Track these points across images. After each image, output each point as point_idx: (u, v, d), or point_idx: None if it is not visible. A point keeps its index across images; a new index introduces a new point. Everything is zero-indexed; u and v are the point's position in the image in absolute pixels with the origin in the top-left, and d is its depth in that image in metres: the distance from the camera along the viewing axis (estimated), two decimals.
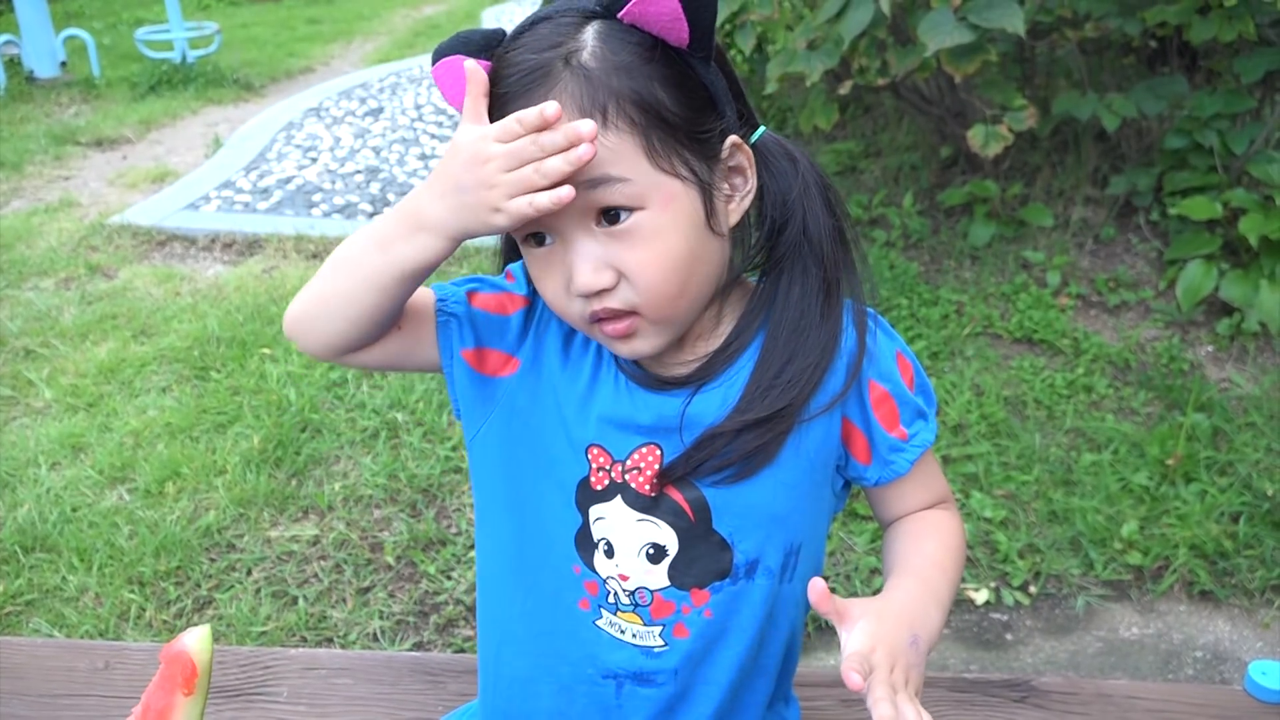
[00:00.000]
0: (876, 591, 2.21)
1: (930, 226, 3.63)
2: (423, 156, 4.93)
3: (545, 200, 0.71)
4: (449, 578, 2.20)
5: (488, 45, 0.79)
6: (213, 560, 2.21)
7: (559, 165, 0.69)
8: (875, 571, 2.24)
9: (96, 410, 2.72)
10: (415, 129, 5.38)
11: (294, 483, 2.46)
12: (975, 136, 2.79)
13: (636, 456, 0.84)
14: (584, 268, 0.76)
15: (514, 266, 0.91)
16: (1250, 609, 2.21)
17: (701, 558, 0.85)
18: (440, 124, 5.50)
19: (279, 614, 2.07)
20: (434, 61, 0.81)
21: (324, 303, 0.82)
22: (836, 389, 0.83)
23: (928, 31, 2.47)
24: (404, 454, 2.55)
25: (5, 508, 2.34)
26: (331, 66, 7.19)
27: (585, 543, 0.87)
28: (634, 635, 0.87)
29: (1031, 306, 3.19)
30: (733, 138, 0.80)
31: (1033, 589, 2.24)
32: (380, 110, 5.74)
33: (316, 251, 3.76)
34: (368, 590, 2.17)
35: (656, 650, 0.87)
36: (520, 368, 0.88)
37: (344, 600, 2.13)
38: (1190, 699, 1.22)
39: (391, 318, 0.83)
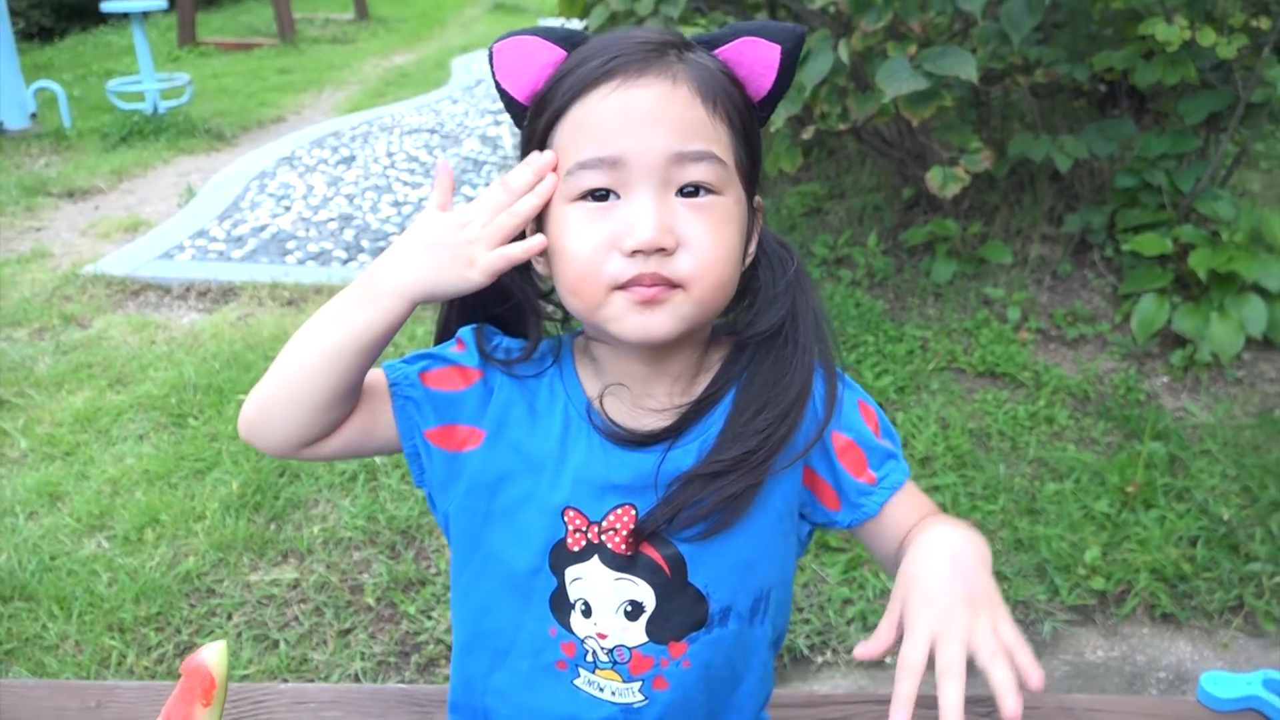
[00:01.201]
0: (850, 621, 2.25)
1: (894, 265, 3.73)
2: (396, 203, 4.99)
3: (517, 252, 0.74)
4: (429, 617, 2.22)
5: (570, 40, 0.81)
6: (193, 605, 2.22)
7: (531, 203, 0.73)
8: (848, 602, 2.29)
9: (73, 459, 2.73)
10: (388, 176, 5.45)
11: (273, 527, 2.48)
12: (934, 178, 2.89)
13: (612, 517, 0.85)
14: (652, 221, 0.74)
15: (463, 333, 0.89)
16: (1210, 629, 2.27)
17: (678, 611, 0.86)
18: (412, 171, 5.57)
19: (260, 657, 2.09)
20: (497, 41, 0.82)
21: (281, 392, 0.81)
22: (804, 443, 0.85)
23: (885, 79, 2.57)
24: (382, 496, 2.58)
25: None
26: (303, 115, 7.25)
27: (561, 604, 0.87)
28: (613, 693, 0.88)
29: (993, 341, 3.28)
30: (758, 197, 0.85)
31: None
32: (353, 158, 5.81)
33: (291, 298, 3.80)
34: (348, 632, 2.19)
35: (636, 705, 0.88)
36: (485, 438, 0.87)
37: (325, 642, 2.15)
38: (1146, 710, 1.27)
39: (349, 397, 0.82)
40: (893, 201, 4.03)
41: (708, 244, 0.76)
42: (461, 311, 0.92)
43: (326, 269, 4.09)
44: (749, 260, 0.85)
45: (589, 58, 0.78)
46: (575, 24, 3.66)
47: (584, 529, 0.85)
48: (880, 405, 0.96)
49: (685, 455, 0.84)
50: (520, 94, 0.82)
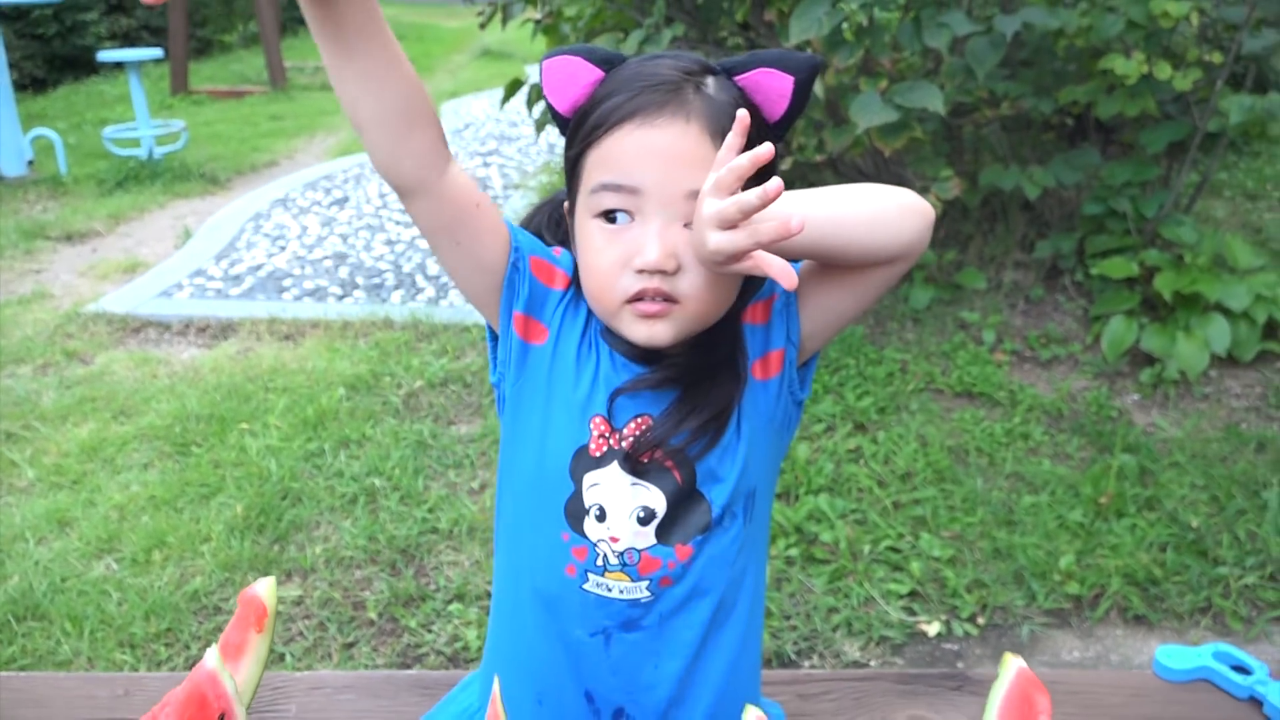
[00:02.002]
0: (836, 628, 2.33)
1: None
2: (389, 242, 5.11)
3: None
4: (429, 631, 2.30)
5: (609, 60, 0.92)
6: (201, 622, 2.29)
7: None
8: (833, 610, 2.38)
9: (80, 487, 2.81)
10: (380, 216, 5.58)
11: (277, 547, 2.56)
12: None
13: (632, 425, 0.94)
14: (657, 247, 0.85)
15: (564, 248, 0.99)
16: (1180, 630, 2.37)
17: (686, 516, 0.95)
18: (404, 211, 5.69)
19: (267, 669, 2.15)
20: (546, 58, 0.92)
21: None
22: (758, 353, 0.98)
23: (858, 112, 2.72)
24: (382, 517, 2.66)
25: None
26: (295, 160, 7.40)
27: (575, 510, 0.95)
28: (621, 591, 0.96)
29: (970, 363, 3.40)
30: None
31: (981, 620, 2.39)
32: (345, 200, 5.94)
33: (289, 333, 3.90)
34: (352, 645, 2.26)
35: (643, 601, 0.96)
36: (548, 338, 0.96)
37: (329, 655, 2.22)
38: (1106, 682, 1.37)
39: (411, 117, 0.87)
40: None
41: (706, 273, 0.87)
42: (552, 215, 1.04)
43: (323, 304, 4.19)
44: None
45: (617, 90, 0.88)
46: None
47: (607, 434, 0.94)
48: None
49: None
50: (562, 107, 0.93)
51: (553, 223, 1.05)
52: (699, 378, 0.95)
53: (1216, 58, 3.23)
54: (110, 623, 2.25)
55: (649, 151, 0.86)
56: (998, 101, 3.42)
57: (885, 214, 0.91)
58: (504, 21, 3.99)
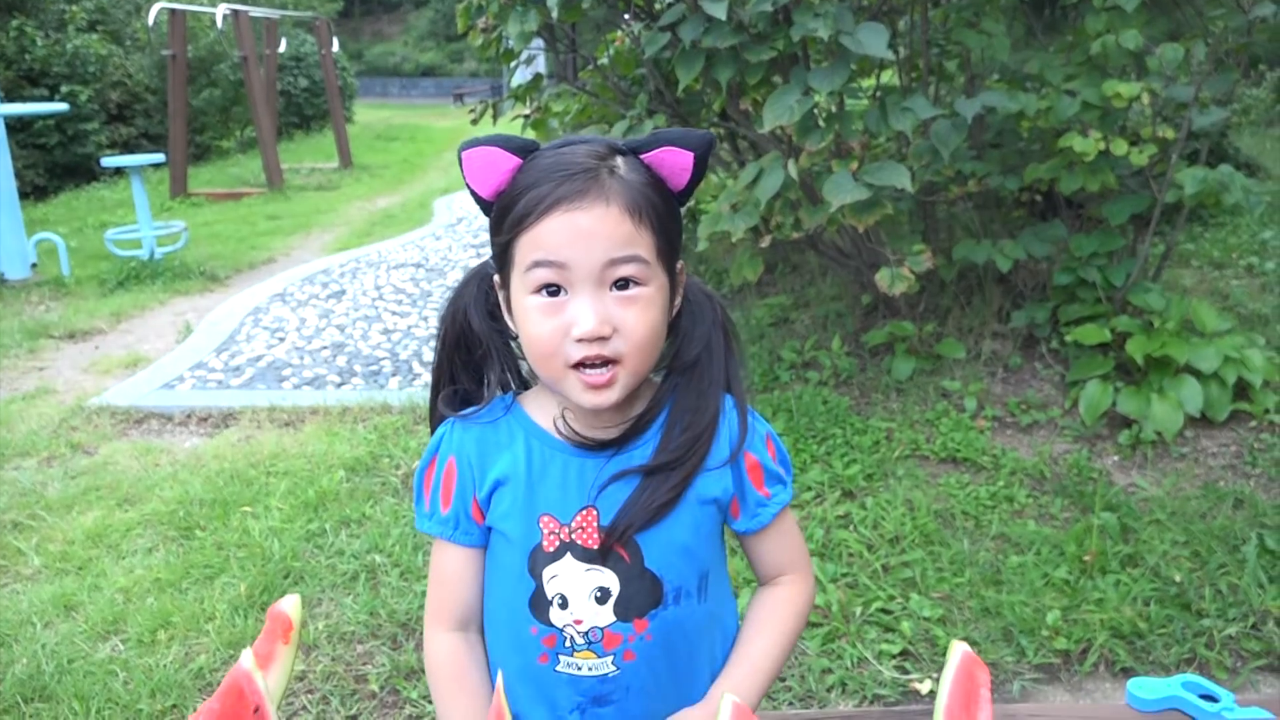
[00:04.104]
0: (830, 688, 2.35)
1: (858, 365, 3.98)
2: (385, 331, 5.24)
3: None
4: (430, 702, 2.34)
5: (525, 149, 1.01)
6: (206, 698, 2.33)
7: None
8: (827, 671, 2.42)
9: (86, 572, 2.86)
10: (377, 307, 5.72)
11: None
12: (883, 278, 3.17)
13: (579, 518, 1.04)
14: (592, 317, 0.95)
15: (433, 451, 1.11)
16: None
17: (639, 592, 1.05)
18: (400, 302, 5.85)
19: None
20: (465, 148, 1.01)
21: None
22: (724, 456, 1.08)
23: (831, 190, 2.87)
24: (383, 593, 2.71)
25: (3, 665, 2.44)
26: (292, 256, 7.58)
27: (539, 603, 1.06)
28: (590, 669, 1.06)
29: (953, 429, 3.50)
30: (680, 261, 1.08)
31: None
32: (342, 292, 6.09)
33: (289, 420, 3.98)
34: (354, 718, 2.30)
35: (611, 675, 1.07)
36: (484, 496, 1.09)
37: None
38: (1082, 714, 1.43)
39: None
40: (853, 308, 4.31)
41: (637, 328, 0.98)
42: (454, 352, 1.14)
43: (322, 392, 4.29)
44: (675, 311, 1.08)
45: (539, 180, 0.97)
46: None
47: (557, 530, 1.05)
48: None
49: (629, 460, 1.06)
50: (485, 193, 1.04)
51: (481, 293, 1.14)
52: (656, 469, 1.05)
53: (1170, 134, 3.42)
54: (117, 701, 2.29)
55: (575, 233, 0.96)
56: (965, 180, 3.60)
57: (793, 644, 1.14)
58: (495, 118, 4.19)
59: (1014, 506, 3.13)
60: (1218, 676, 2.43)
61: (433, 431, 1.14)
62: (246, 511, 3.15)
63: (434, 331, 5.04)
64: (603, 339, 0.97)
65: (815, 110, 3.03)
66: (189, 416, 4.09)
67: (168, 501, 3.24)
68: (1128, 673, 2.46)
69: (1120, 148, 3.31)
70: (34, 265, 6.84)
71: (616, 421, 1.08)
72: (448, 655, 1.09)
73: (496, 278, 1.08)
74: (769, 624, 1.13)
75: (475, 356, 1.13)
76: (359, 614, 2.62)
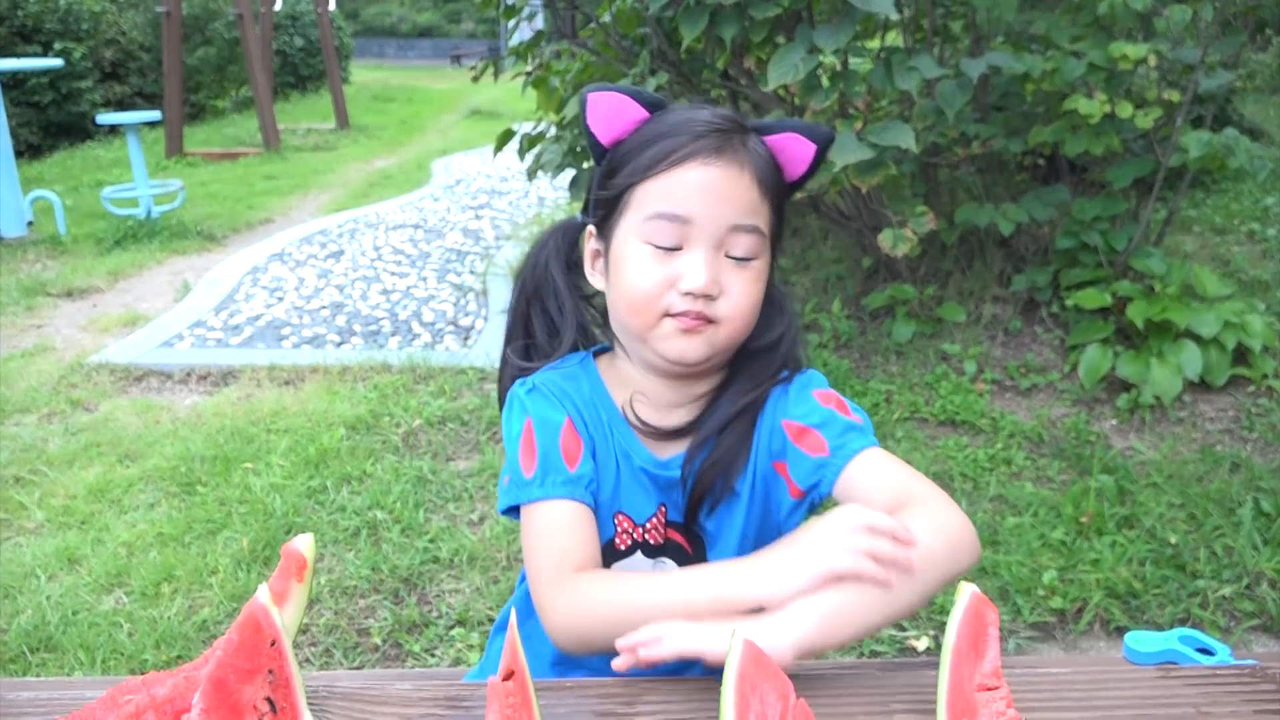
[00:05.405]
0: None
1: (858, 328, 3.98)
2: (384, 291, 5.23)
3: None
4: (433, 655, 2.36)
5: (654, 104, 1.01)
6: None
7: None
8: None
9: (88, 526, 2.87)
10: (375, 268, 5.71)
11: None
12: (885, 239, 3.16)
13: (653, 521, 1.05)
14: (705, 274, 0.96)
15: (533, 407, 1.04)
16: None
17: None
18: (399, 263, 5.83)
19: None
20: (590, 91, 1.00)
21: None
22: (764, 441, 1.05)
23: (835, 151, 2.85)
24: (385, 548, 2.73)
25: (7, 616, 2.46)
26: (290, 217, 7.54)
27: None
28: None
29: (952, 392, 3.51)
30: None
31: None
32: (341, 253, 6.06)
33: (289, 378, 3.98)
34: (357, 670, 2.32)
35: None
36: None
37: None
38: (1080, 666, 1.45)
39: None
40: (854, 271, 4.31)
41: (742, 297, 0.98)
42: (531, 303, 1.13)
43: (321, 351, 4.29)
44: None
45: (673, 131, 0.97)
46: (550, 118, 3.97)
47: (630, 530, 1.05)
48: None
49: (697, 450, 1.05)
50: (605, 138, 1.03)
51: (566, 245, 1.13)
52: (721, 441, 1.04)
53: (1175, 97, 3.39)
54: (121, 652, 2.31)
55: (706, 188, 0.96)
56: (969, 142, 3.58)
57: (937, 584, 0.95)
58: (496, 74, 4.16)
59: (1012, 469, 3.15)
60: (1211, 635, 2.45)
61: (501, 381, 1.13)
62: (248, 468, 3.16)
63: (433, 293, 5.07)
64: (709, 298, 0.97)
65: (820, 69, 3.01)
66: (189, 374, 4.09)
67: (169, 458, 3.24)
68: (1122, 631, 2.48)
69: (1125, 110, 3.29)
70: (30, 223, 6.80)
71: (685, 401, 1.06)
72: (592, 575, 0.96)
73: (592, 228, 1.07)
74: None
75: (550, 310, 1.12)
76: (361, 569, 2.64)
